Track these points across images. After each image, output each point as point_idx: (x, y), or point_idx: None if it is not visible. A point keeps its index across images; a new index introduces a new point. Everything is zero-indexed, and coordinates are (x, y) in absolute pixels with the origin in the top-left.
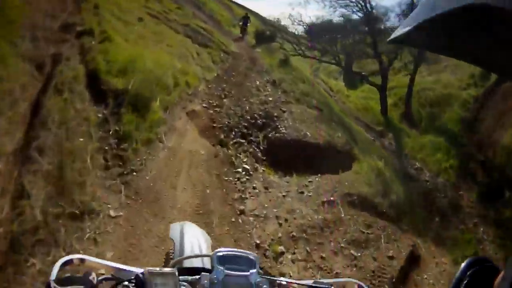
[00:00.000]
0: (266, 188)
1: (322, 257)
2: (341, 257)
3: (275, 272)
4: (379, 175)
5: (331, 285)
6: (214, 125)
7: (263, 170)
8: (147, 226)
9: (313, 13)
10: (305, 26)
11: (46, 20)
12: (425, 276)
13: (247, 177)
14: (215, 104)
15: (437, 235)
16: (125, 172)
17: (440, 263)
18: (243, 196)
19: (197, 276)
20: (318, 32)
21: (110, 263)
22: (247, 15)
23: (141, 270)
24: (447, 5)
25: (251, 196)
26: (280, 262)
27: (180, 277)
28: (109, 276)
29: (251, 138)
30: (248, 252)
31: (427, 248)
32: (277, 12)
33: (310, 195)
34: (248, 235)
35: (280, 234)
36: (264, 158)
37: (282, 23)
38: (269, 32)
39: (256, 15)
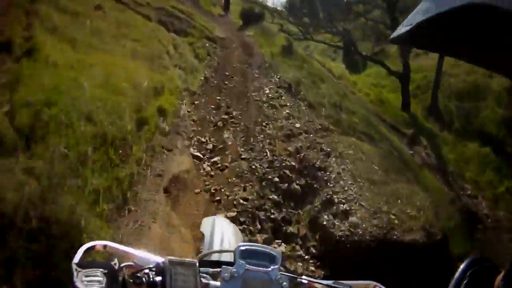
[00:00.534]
0: None
1: None
2: None
3: None
4: None
5: (351, 286)
6: (218, 202)
7: None
8: None
9: None
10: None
11: None
12: None
13: None
14: (210, 148)
15: None
16: None
17: None
18: None
19: (219, 269)
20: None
21: (132, 250)
22: None
23: (163, 259)
24: (447, 5)
25: None
26: None
27: (202, 268)
28: (131, 263)
29: (289, 229)
30: (270, 248)
31: None
32: None
33: None
34: None
35: None
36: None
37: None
38: (257, 10)
39: None
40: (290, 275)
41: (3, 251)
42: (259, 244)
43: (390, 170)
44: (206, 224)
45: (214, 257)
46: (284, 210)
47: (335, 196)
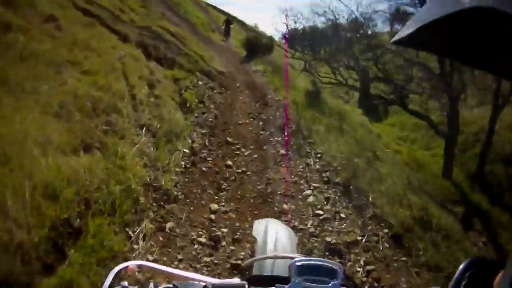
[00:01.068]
0: None
1: None
2: None
3: None
4: None
5: None
6: None
7: None
8: None
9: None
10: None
11: None
12: None
13: None
14: None
15: None
16: None
17: None
18: None
19: None
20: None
21: (170, 269)
22: (228, 20)
23: (206, 279)
24: (452, 7)
25: None
26: None
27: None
28: (170, 285)
29: None
30: (330, 261)
31: None
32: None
33: None
34: None
35: None
36: None
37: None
38: (265, 41)
39: (236, 20)
40: None
41: None
42: (317, 258)
43: None
44: (258, 228)
45: (267, 269)
46: None
47: None
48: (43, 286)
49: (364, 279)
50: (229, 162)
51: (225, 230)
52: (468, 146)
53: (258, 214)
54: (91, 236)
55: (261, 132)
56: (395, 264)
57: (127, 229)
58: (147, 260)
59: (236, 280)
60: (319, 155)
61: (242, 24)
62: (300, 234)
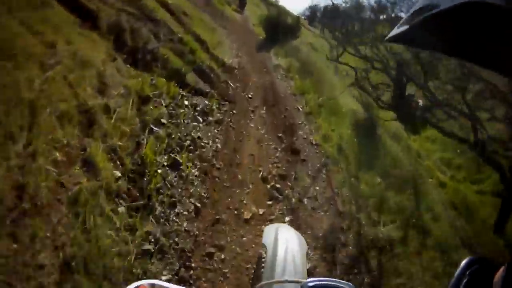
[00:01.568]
0: None
1: None
2: None
3: None
4: None
5: None
6: None
7: None
8: None
9: None
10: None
11: None
12: None
13: None
14: None
15: None
16: None
17: None
18: None
19: None
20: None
21: None
22: None
23: None
24: (445, 3)
25: None
26: None
27: None
28: None
29: None
30: (343, 282)
31: None
32: None
33: None
34: None
35: None
36: None
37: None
38: (290, 21)
39: None
40: None
41: None
42: (329, 279)
43: None
44: (268, 234)
45: (276, 286)
46: None
47: None
48: None
49: None
50: None
51: None
52: None
53: None
54: None
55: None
56: None
57: None
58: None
59: None
60: None
61: None
62: None
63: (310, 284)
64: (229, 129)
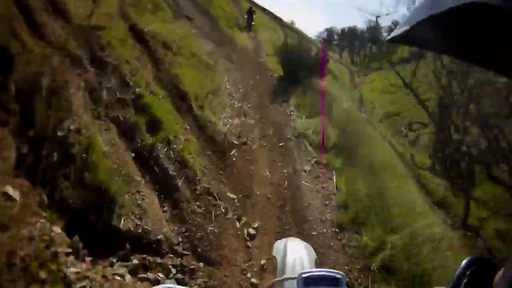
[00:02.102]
0: None
1: None
2: None
3: None
4: None
5: None
6: None
7: None
8: None
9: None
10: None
11: None
12: None
13: None
14: None
15: None
16: None
17: None
18: None
19: None
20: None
21: None
22: (251, 9)
23: None
24: (446, 4)
25: None
26: None
27: None
28: None
29: None
30: (334, 271)
31: None
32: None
33: None
34: None
35: None
36: None
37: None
38: (314, 52)
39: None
40: None
41: None
42: (321, 269)
43: None
44: (278, 248)
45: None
46: None
47: None
48: None
49: None
50: None
51: None
52: None
53: None
54: None
55: None
56: None
57: None
58: None
59: None
60: None
61: (276, 19)
62: None
63: (304, 275)
64: None
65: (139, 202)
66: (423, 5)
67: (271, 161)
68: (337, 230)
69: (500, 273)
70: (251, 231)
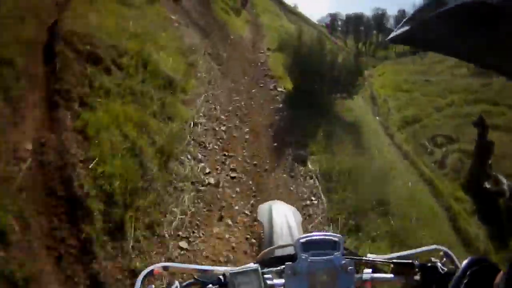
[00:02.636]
0: None
1: None
2: None
3: None
4: None
5: (417, 257)
6: None
7: None
8: None
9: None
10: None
11: None
12: None
13: None
14: None
15: None
16: None
17: None
18: None
19: (282, 267)
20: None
21: (194, 266)
22: None
23: (225, 268)
24: (447, 4)
25: None
26: None
27: (265, 269)
28: (192, 280)
29: None
30: (331, 234)
31: None
32: None
33: None
34: None
35: None
36: None
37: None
38: (343, 57)
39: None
40: (354, 257)
41: None
42: (318, 233)
43: None
44: (262, 212)
45: (277, 252)
46: None
47: None
48: None
49: None
50: None
51: None
52: None
53: None
54: None
55: None
56: None
57: None
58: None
59: (250, 265)
60: None
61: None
62: None
63: (302, 240)
64: None
65: None
66: (423, 5)
67: None
68: None
69: (500, 274)
70: None
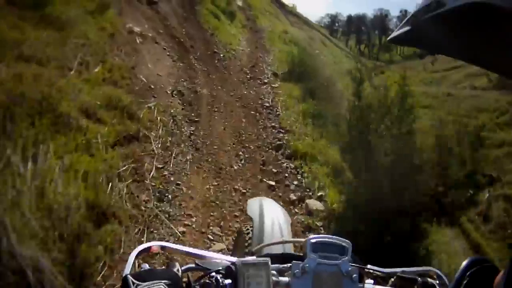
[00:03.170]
0: None
1: None
2: None
3: None
4: None
5: (418, 276)
6: None
7: None
8: None
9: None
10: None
11: None
12: None
13: None
14: None
15: None
16: None
17: None
18: None
19: (288, 265)
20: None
21: (194, 250)
22: None
23: (232, 259)
24: (448, 4)
25: None
26: None
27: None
28: (194, 265)
29: None
30: (342, 239)
31: None
32: None
33: None
34: None
35: None
36: None
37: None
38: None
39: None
40: (360, 266)
41: None
42: (329, 236)
43: None
44: (253, 208)
45: (278, 248)
46: None
47: None
48: None
49: None
50: None
51: None
52: None
53: None
54: None
55: None
56: None
57: None
58: None
59: (257, 258)
60: None
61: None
62: None
63: (313, 240)
64: None
65: None
66: (422, 6)
67: None
68: None
69: (500, 274)
70: None
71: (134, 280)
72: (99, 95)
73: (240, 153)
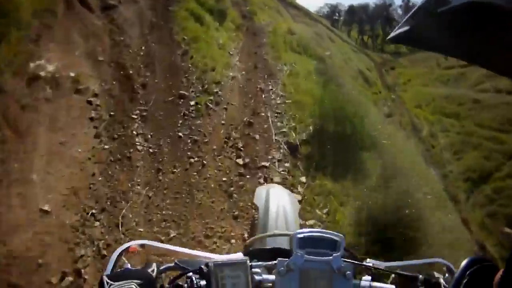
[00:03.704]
0: None
1: None
2: None
3: None
4: None
5: (418, 269)
6: None
7: None
8: None
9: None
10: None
11: None
12: None
13: None
14: None
15: None
16: None
17: None
18: None
19: (274, 262)
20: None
21: (174, 248)
22: None
23: (209, 255)
24: (447, 4)
25: None
26: None
27: (254, 262)
28: (171, 265)
29: None
30: (333, 232)
31: None
32: None
33: None
34: None
35: None
36: None
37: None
38: None
39: None
40: (354, 262)
41: None
42: (319, 230)
43: None
44: (259, 195)
45: (268, 240)
46: None
47: None
48: None
49: None
50: None
51: None
52: None
53: None
54: None
55: None
56: None
57: None
58: None
59: (238, 256)
60: None
61: None
62: None
63: (299, 235)
64: None
65: None
66: (423, 3)
67: None
68: None
69: (500, 273)
70: None
71: (108, 280)
72: None
73: None
